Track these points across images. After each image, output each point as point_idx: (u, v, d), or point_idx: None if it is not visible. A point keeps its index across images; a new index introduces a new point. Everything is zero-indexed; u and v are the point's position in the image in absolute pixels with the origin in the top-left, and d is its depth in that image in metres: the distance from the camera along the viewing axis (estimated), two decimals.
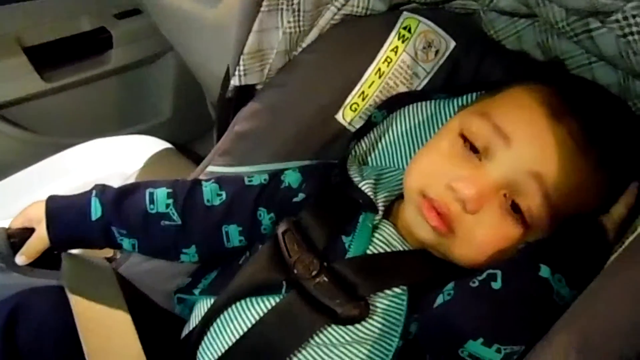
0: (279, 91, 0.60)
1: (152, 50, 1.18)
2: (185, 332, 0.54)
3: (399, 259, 0.49)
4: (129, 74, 1.20)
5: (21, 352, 0.46)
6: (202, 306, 0.53)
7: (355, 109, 0.60)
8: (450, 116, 0.57)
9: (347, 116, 0.60)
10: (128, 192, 0.56)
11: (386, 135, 0.60)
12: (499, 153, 0.44)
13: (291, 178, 0.56)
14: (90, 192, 0.56)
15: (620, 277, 0.37)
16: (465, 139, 0.46)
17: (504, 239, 0.44)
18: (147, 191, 0.55)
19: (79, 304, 0.47)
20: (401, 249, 0.49)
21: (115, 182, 0.90)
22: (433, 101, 0.59)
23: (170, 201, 0.55)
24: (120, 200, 0.55)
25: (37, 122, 1.08)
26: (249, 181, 0.57)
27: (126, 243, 0.56)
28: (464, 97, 0.58)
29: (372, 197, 0.51)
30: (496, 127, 0.44)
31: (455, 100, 0.58)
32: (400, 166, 0.59)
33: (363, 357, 0.45)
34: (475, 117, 0.46)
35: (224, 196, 0.56)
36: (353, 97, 0.59)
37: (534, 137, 0.43)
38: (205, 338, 0.49)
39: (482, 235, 0.44)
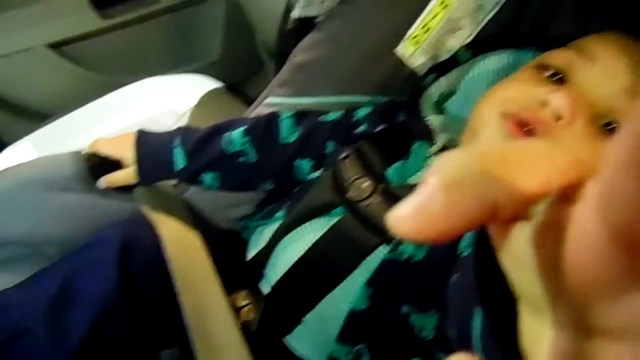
0: (339, 23, 0.60)
1: None
2: (251, 254, 0.57)
3: None
4: (182, 13, 1.20)
5: (135, 280, 0.49)
6: (264, 231, 0.56)
7: (417, 42, 0.59)
8: None
9: (408, 49, 0.59)
10: (208, 139, 0.58)
11: (465, 78, 0.58)
12: (585, 72, 0.43)
13: (362, 112, 0.57)
14: (173, 139, 0.58)
15: None
16: (544, 68, 0.45)
17: (594, 160, 0.42)
18: (225, 134, 0.58)
19: (161, 227, 0.51)
20: None
21: (169, 121, 0.93)
22: (518, 50, 0.57)
23: (246, 139, 0.58)
24: (201, 148, 0.58)
25: (94, 59, 1.11)
26: (324, 117, 0.58)
27: (208, 179, 0.59)
28: None
29: (434, 130, 0.51)
30: (579, 50, 0.44)
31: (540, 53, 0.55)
32: None
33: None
34: (554, 51, 0.46)
35: (298, 132, 0.58)
36: (415, 29, 0.58)
37: (619, 54, 0.42)
38: (271, 259, 0.52)
39: (573, 151, 0.42)
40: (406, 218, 0.11)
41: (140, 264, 0.49)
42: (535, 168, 0.12)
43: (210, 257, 0.52)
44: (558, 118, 0.41)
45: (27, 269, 0.53)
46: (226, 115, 0.68)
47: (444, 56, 0.60)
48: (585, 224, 0.10)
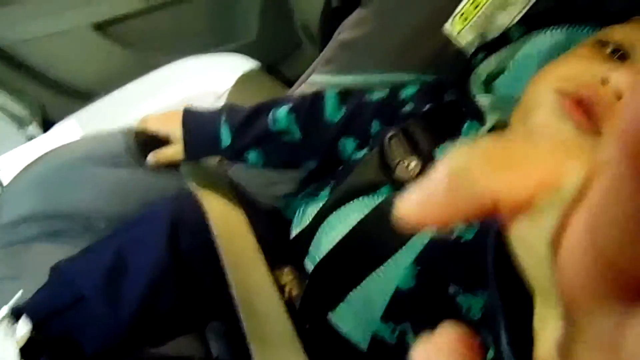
0: None
1: None
2: (295, 231, 0.57)
3: None
4: None
5: (183, 255, 0.50)
6: (307, 209, 0.56)
7: (466, 19, 0.57)
8: None
9: (457, 26, 0.58)
10: (253, 117, 0.58)
11: (516, 56, 0.56)
12: None
13: (408, 91, 0.57)
14: (220, 117, 0.59)
15: None
16: (604, 44, 0.43)
17: None
18: (271, 112, 0.58)
19: (206, 203, 0.52)
20: None
21: (208, 100, 0.94)
22: (574, 26, 0.55)
23: (291, 117, 0.58)
24: (247, 126, 0.58)
25: (137, 39, 1.13)
26: (370, 96, 0.58)
27: (252, 157, 0.59)
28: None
29: (485, 110, 0.50)
30: None
31: (598, 30, 0.53)
32: None
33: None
34: (615, 26, 0.44)
35: (343, 111, 0.57)
36: (464, 6, 0.57)
37: None
38: (316, 237, 0.53)
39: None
40: (410, 207, 0.12)
41: (188, 239, 0.50)
42: (535, 166, 0.12)
43: (254, 234, 0.53)
44: (619, 97, 0.40)
45: (79, 241, 0.55)
46: (264, 94, 0.69)
47: (494, 33, 0.58)
48: (576, 237, 0.10)
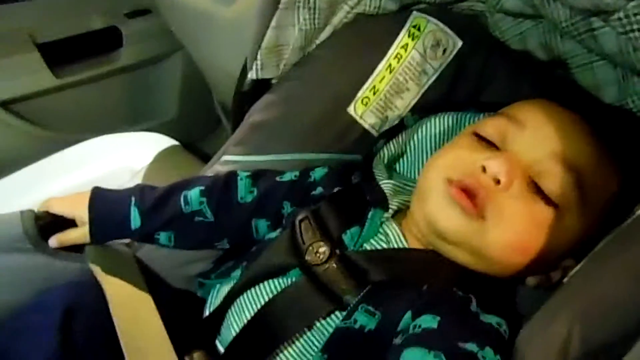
0: (293, 84, 0.63)
1: (161, 49, 1.20)
2: (205, 313, 0.56)
3: (409, 254, 0.51)
4: (138, 73, 1.22)
5: (76, 346, 0.47)
6: (220, 289, 0.56)
7: (366, 103, 0.62)
8: None
9: (359, 109, 0.62)
10: (165, 198, 0.58)
11: (412, 141, 0.62)
12: (516, 138, 0.47)
13: (317, 174, 0.59)
14: (130, 198, 0.57)
15: (620, 258, 0.40)
16: (480, 137, 0.49)
17: (535, 221, 0.44)
18: (183, 194, 0.58)
19: (108, 288, 0.49)
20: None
21: (124, 178, 0.93)
22: (458, 113, 0.61)
23: (203, 199, 0.58)
24: (158, 207, 0.57)
25: (47, 117, 1.10)
26: (280, 177, 0.59)
27: (163, 238, 0.58)
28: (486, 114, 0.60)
29: (388, 196, 0.53)
30: (510, 117, 0.48)
31: (480, 116, 0.60)
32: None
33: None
34: (487, 118, 0.50)
35: (255, 192, 0.58)
36: (364, 91, 0.62)
37: (546, 120, 0.47)
38: (226, 318, 0.52)
39: (513, 214, 0.44)
40: None
41: (84, 328, 0.47)
42: None
43: (161, 319, 0.51)
44: (497, 182, 0.45)
45: None
46: (182, 173, 0.69)
47: (392, 116, 0.63)
48: None
